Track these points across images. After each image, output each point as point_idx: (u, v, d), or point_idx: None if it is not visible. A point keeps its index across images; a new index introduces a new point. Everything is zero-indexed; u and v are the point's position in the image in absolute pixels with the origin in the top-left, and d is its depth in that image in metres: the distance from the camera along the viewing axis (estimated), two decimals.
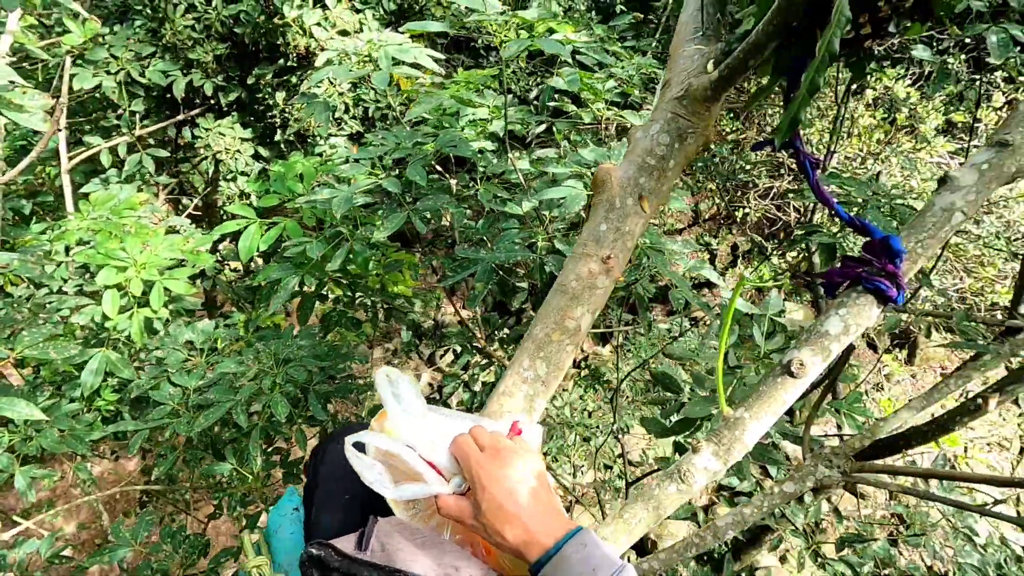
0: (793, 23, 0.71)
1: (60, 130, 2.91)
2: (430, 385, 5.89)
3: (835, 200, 0.76)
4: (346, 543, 0.62)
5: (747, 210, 6.32)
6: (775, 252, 6.09)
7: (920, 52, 1.77)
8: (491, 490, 0.60)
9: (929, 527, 2.50)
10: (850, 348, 0.86)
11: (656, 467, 2.73)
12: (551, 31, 1.80)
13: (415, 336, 5.42)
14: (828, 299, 0.74)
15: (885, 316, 0.71)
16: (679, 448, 1.91)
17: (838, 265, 0.75)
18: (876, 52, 0.72)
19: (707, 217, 7.27)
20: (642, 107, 1.98)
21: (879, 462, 1.35)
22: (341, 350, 2.27)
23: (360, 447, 0.71)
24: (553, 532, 0.58)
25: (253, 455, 1.90)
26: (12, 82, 1.58)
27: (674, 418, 1.91)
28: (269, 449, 2.18)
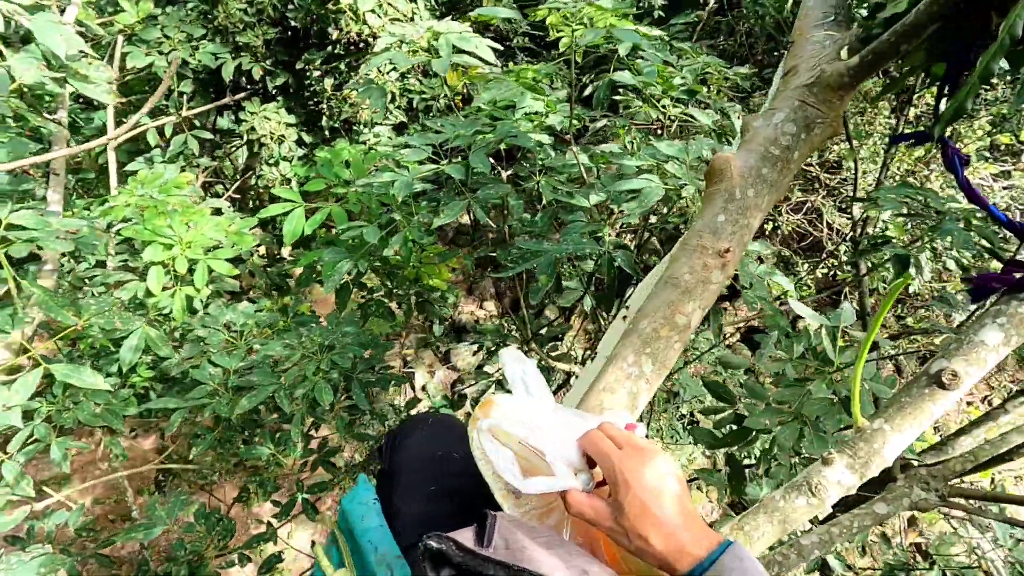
0: (961, 4, 0.65)
1: (109, 105, 2.93)
2: (443, 384, 5.85)
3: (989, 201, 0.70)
4: (465, 536, 0.58)
5: (778, 223, 6.20)
6: (808, 268, 5.96)
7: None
8: (636, 491, 0.54)
9: (973, 560, 2.39)
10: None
11: (693, 477, 2.66)
12: (611, 26, 1.76)
13: (445, 331, 5.39)
14: (969, 304, 0.68)
15: None
16: (730, 460, 1.84)
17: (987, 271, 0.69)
18: None
19: None
20: (708, 106, 1.92)
21: (966, 485, 1.27)
22: (379, 341, 2.24)
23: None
24: (703, 542, 0.53)
25: (295, 441, 1.87)
26: (82, 52, 1.57)
27: (726, 429, 1.85)
28: (311, 433, 2.16)
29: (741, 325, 5.48)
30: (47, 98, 2.23)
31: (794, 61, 0.84)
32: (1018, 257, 0.66)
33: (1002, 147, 5.81)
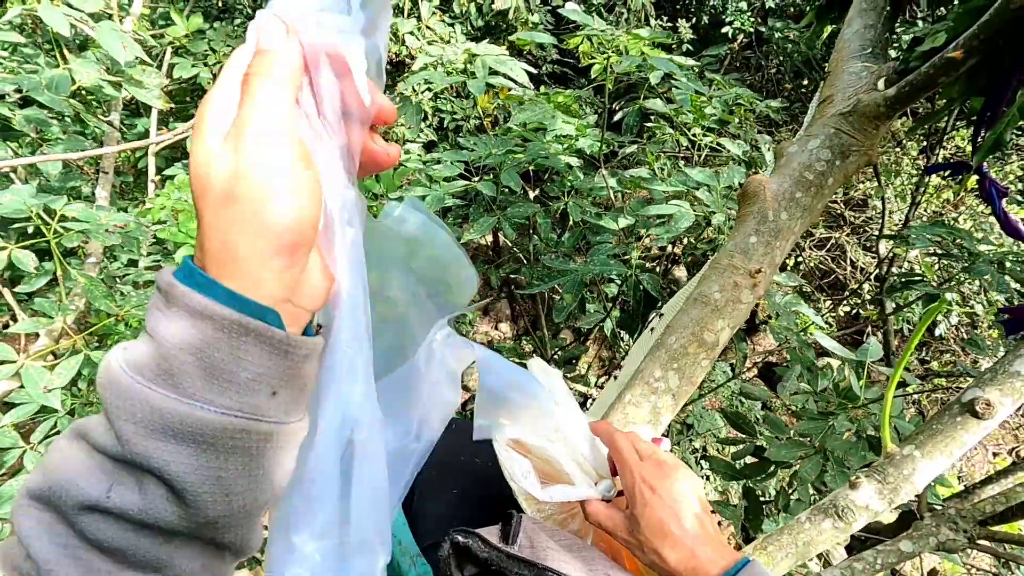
0: (1000, 40, 0.66)
1: (153, 112, 3.05)
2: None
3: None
4: (491, 534, 0.58)
5: (800, 259, 6.16)
6: (829, 306, 5.88)
7: None
8: (653, 505, 0.54)
9: None
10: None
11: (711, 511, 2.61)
12: (642, 55, 1.80)
13: None
14: (1005, 337, 0.68)
15: None
16: (748, 493, 1.81)
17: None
18: None
19: None
20: (737, 137, 1.94)
21: (1001, 529, 1.24)
22: None
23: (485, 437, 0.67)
24: (719, 561, 0.52)
25: None
26: (137, 58, 1.65)
27: (744, 461, 1.82)
28: None
29: (758, 360, 5.41)
30: (95, 102, 2.34)
31: (830, 90, 0.85)
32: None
33: None
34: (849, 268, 6.33)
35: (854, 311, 5.51)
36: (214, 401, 0.29)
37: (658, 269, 1.71)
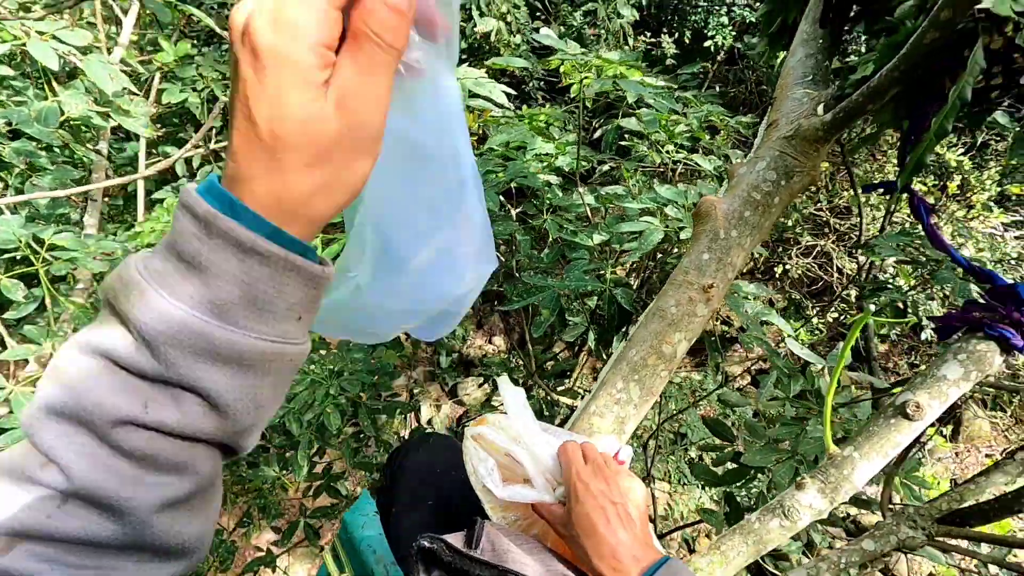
0: (918, 71, 0.72)
1: (143, 137, 3.09)
2: (448, 418, 5.83)
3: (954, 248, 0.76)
4: (455, 539, 0.62)
5: (787, 267, 6.25)
6: (816, 312, 5.96)
7: (1000, 117, 1.77)
8: (585, 503, 0.59)
9: None
10: (950, 408, 0.84)
11: (696, 520, 2.63)
12: (619, 75, 1.87)
13: (452, 364, 5.42)
14: (937, 343, 0.73)
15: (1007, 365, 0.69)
16: (729, 499, 1.85)
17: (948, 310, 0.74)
18: (1001, 103, 0.73)
19: (744, 271, 7.20)
20: (711, 153, 2.01)
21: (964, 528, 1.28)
22: (387, 369, 2.29)
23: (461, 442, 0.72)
24: (641, 561, 0.56)
25: (301, 464, 1.91)
26: (125, 88, 1.70)
27: (721, 467, 1.86)
28: (316, 458, 2.19)
29: (749, 366, 5.46)
30: (85, 130, 2.38)
31: (776, 115, 0.91)
32: (977, 298, 0.71)
33: (1013, 197, 5.85)
34: (836, 274, 6.42)
35: (842, 316, 5.59)
36: (256, 329, 0.32)
37: (636, 284, 1.76)
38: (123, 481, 0.30)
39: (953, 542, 1.13)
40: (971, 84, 0.66)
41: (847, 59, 0.89)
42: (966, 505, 1.51)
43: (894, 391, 0.98)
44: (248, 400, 0.33)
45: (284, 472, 2.10)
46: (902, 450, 1.19)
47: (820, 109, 0.86)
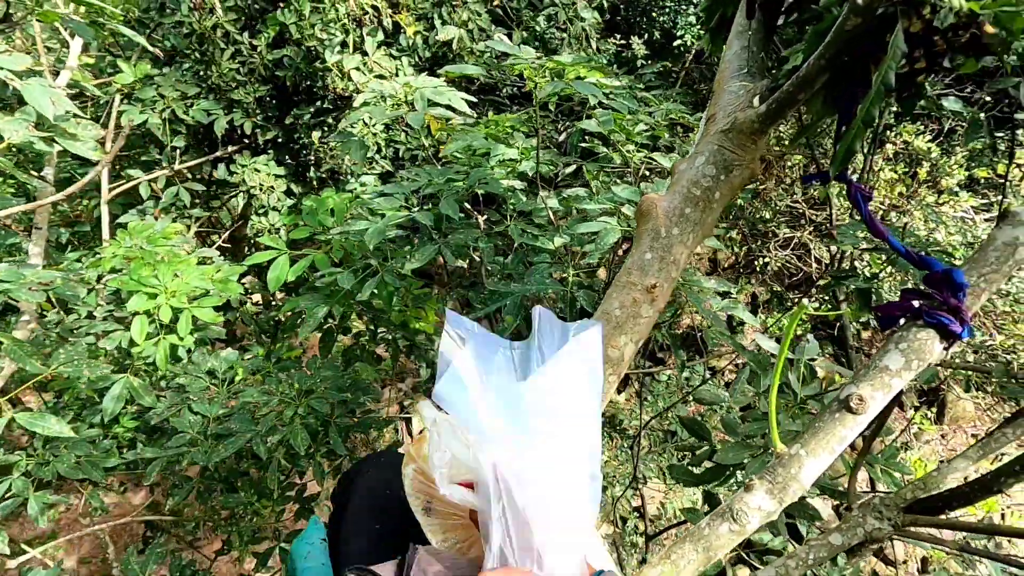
0: (844, 58, 0.71)
1: (103, 162, 3.03)
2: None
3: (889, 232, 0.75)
4: (386, 570, 0.59)
5: (767, 260, 6.29)
6: (797, 302, 6.00)
7: (951, 103, 1.78)
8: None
9: None
10: (896, 398, 0.83)
11: (681, 520, 2.62)
12: (580, 77, 1.86)
13: (432, 375, 5.37)
14: (882, 333, 0.72)
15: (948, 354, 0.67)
16: (708, 498, 1.83)
17: (890, 299, 0.72)
18: (926, 89, 0.73)
19: (726, 266, 7.24)
20: (672, 151, 2.01)
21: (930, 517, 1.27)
22: (361, 385, 2.25)
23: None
24: None
25: (270, 487, 1.86)
26: (68, 112, 1.66)
27: (700, 466, 1.84)
28: (285, 483, 2.14)
29: (734, 359, 5.48)
30: (31, 155, 2.32)
31: (714, 109, 0.90)
32: (912, 286, 0.69)
33: (981, 181, 5.95)
34: (814, 264, 6.47)
35: (821, 306, 5.62)
36: None
37: (604, 285, 1.74)
38: None
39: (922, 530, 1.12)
40: (894, 69, 0.65)
41: (784, 50, 0.88)
42: (944, 490, 1.50)
43: (838, 383, 0.97)
44: None
45: (258, 497, 2.05)
46: (867, 441, 1.18)
47: (755, 101, 0.85)
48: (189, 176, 3.58)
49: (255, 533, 2.24)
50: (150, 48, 1.85)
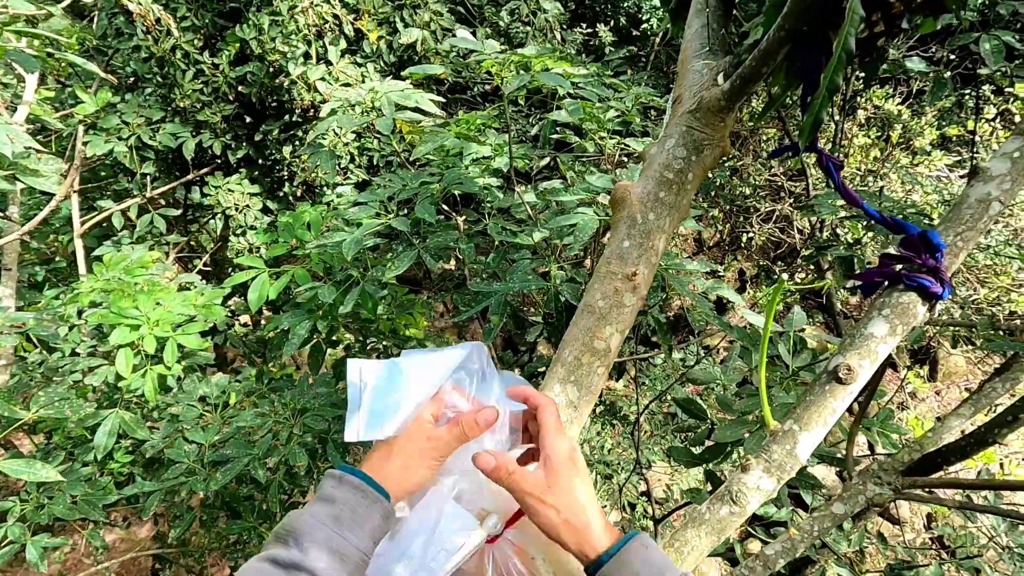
0: (803, 27, 0.71)
1: (72, 195, 2.97)
2: None
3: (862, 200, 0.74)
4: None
5: (751, 235, 6.33)
6: (783, 273, 6.05)
7: (915, 64, 1.79)
8: (576, 469, 0.59)
9: (979, 548, 2.38)
10: (886, 362, 0.83)
11: (686, 501, 2.62)
12: (546, 68, 1.84)
13: None
14: (864, 301, 0.71)
15: (931, 315, 0.67)
16: (710, 477, 1.84)
17: (874, 265, 0.72)
18: (888, 52, 0.72)
19: (711, 244, 7.28)
20: (646, 135, 2.00)
21: (929, 477, 1.28)
22: None
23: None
24: (613, 533, 0.57)
25: (273, 510, 1.84)
26: (28, 147, 1.62)
27: (698, 446, 1.85)
28: (288, 503, 2.11)
29: (727, 336, 5.51)
30: None
31: (679, 90, 0.89)
32: (890, 250, 0.69)
33: (954, 139, 6.02)
34: (797, 236, 6.52)
35: (808, 276, 5.67)
36: (351, 537, 0.55)
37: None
38: None
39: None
40: (853, 34, 0.65)
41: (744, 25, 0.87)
42: (941, 446, 1.51)
43: (828, 354, 0.97)
44: None
45: (262, 521, 2.02)
46: (861, 407, 1.18)
47: (720, 79, 0.84)
48: (163, 202, 3.52)
49: None
50: (102, 75, 1.81)
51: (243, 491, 2.02)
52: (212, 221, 3.44)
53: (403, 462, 0.61)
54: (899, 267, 0.69)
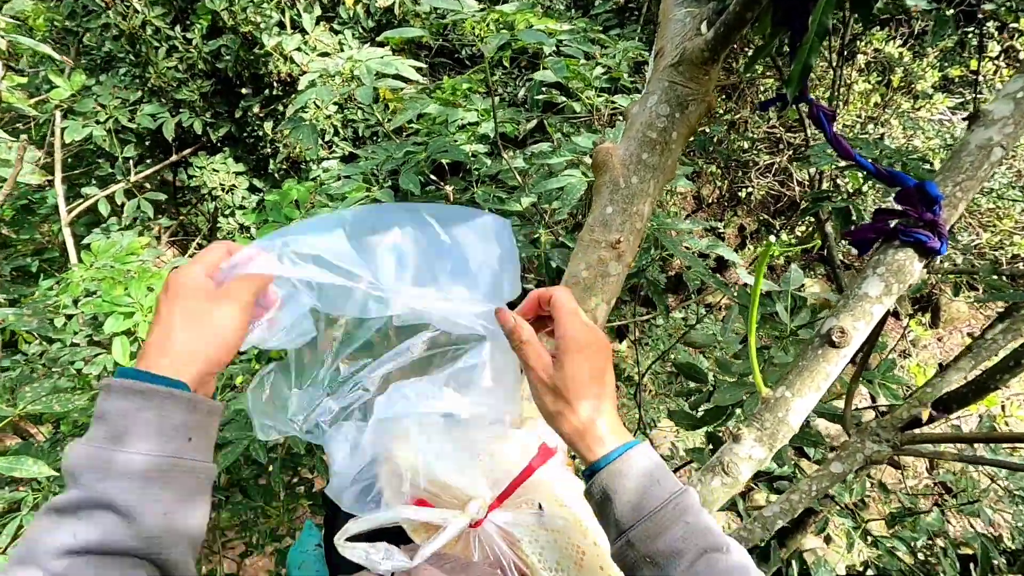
0: None
1: (55, 183, 2.91)
2: None
3: (856, 151, 0.70)
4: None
5: (750, 190, 6.23)
6: (783, 228, 5.98)
7: (918, 1, 1.71)
8: (586, 354, 0.52)
9: (980, 493, 2.40)
10: (886, 314, 0.80)
11: (688, 459, 2.65)
12: (530, 25, 1.76)
13: None
14: (861, 258, 0.68)
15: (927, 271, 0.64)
16: (712, 438, 1.84)
17: (868, 220, 0.69)
18: None
19: (710, 202, 7.18)
20: (633, 92, 1.93)
21: (926, 430, 1.27)
22: None
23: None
24: (621, 435, 0.52)
25: (276, 490, 1.85)
26: None
27: (703, 408, 1.84)
28: (294, 480, 2.13)
29: (730, 293, 5.50)
30: None
31: (661, 42, 0.84)
32: (886, 205, 0.65)
33: (956, 80, 5.85)
34: (797, 188, 6.42)
35: (809, 229, 5.60)
36: (145, 449, 0.44)
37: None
38: None
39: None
40: None
41: None
42: (943, 393, 1.50)
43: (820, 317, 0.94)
44: (152, 506, 0.43)
45: (267, 501, 2.04)
46: (859, 365, 1.16)
47: (703, 28, 0.79)
48: (149, 186, 3.45)
49: (274, 531, 2.25)
50: (57, 57, 1.74)
51: (247, 472, 2.04)
52: (205, 202, 3.38)
53: (188, 335, 0.48)
54: (894, 222, 0.65)
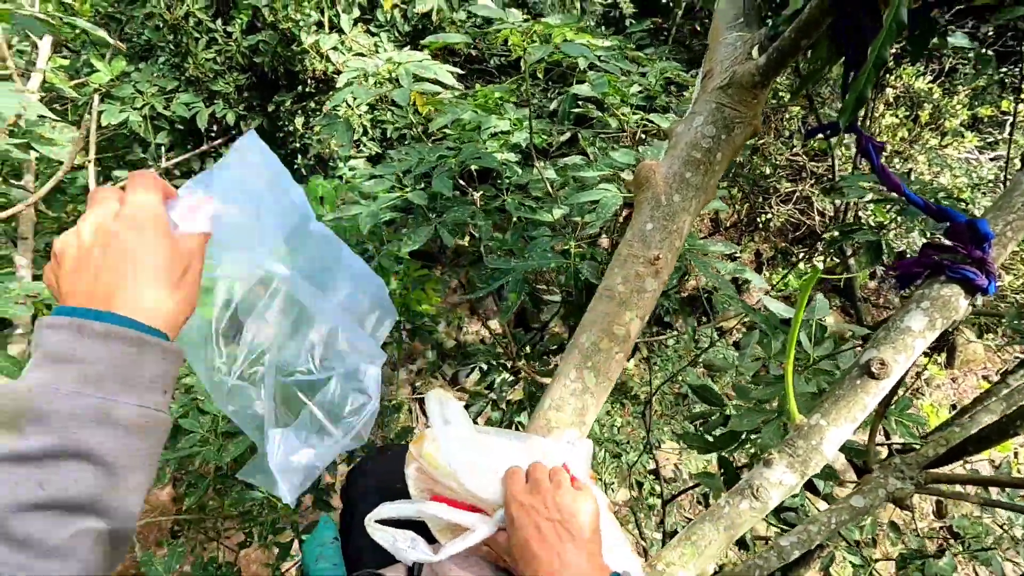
0: None
1: (88, 164, 2.97)
2: None
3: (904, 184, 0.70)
4: (395, 573, 0.57)
5: (769, 216, 6.20)
6: (803, 257, 5.94)
7: (958, 39, 1.70)
8: (520, 526, 0.55)
9: (994, 540, 2.35)
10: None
11: (695, 483, 2.62)
12: (566, 39, 1.78)
13: (439, 356, 5.38)
14: (898, 292, 0.68)
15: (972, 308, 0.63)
16: (723, 463, 1.82)
17: (897, 255, 0.68)
18: (940, 24, 0.67)
19: (728, 225, 7.15)
20: (668, 111, 1.94)
21: (945, 471, 1.25)
22: None
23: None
24: None
25: None
26: (42, 116, 1.60)
27: (717, 432, 1.82)
28: None
29: (743, 319, 5.46)
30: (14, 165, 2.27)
31: (710, 64, 0.84)
32: (936, 240, 0.65)
33: (985, 120, 5.80)
34: (818, 218, 6.37)
35: (827, 259, 5.55)
36: (133, 400, 0.41)
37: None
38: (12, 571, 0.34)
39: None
40: (907, 4, 0.60)
41: None
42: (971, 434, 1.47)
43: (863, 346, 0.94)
44: (131, 458, 0.40)
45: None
46: (885, 400, 1.15)
47: (755, 52, 0.79)
48: (177, 173, 3.51)
49: (275, 523, 2.25)
50: (112, 41, 1.78)
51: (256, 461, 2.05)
52: None
53: (170, 289, 0.45)
54: (940, 257, 0.65)
